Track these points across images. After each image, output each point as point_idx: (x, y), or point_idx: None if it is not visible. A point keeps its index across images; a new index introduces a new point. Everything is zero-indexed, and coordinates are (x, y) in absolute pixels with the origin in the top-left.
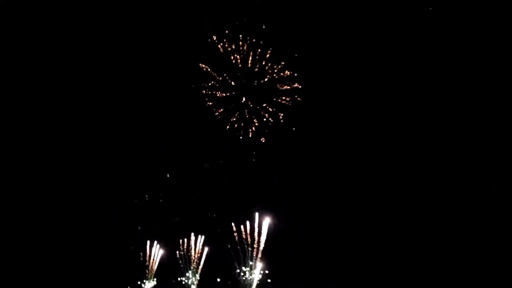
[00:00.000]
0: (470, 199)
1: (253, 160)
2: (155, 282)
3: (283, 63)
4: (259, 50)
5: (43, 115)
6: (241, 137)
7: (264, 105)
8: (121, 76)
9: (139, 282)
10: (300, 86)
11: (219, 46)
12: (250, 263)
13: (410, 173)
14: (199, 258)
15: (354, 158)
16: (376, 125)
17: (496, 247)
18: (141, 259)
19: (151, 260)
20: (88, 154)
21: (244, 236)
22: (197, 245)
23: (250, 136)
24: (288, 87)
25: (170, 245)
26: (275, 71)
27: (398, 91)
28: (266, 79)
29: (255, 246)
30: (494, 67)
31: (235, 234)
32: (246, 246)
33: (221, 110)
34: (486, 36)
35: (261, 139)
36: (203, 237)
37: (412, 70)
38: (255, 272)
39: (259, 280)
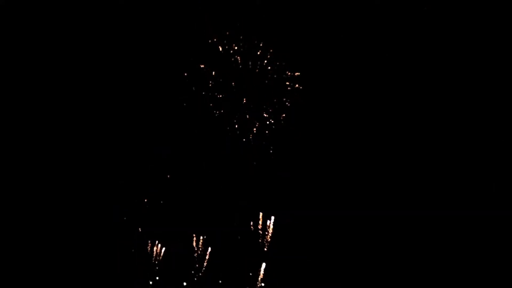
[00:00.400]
0: (469, 201)
1: (254, 162)
2: (156, 283)
3: (284, 63)
4: (260, 50)
5: (43, 115)
6: (243, 139)
7: (264, 106)
8: (121, 76)
9: (139, 283)
10: (301, 87)
11: (219, 46)
12: (253, 263)
13: (410, 175)
14: (202, 259)
15: (355, 159)
16: (376, 126)
17: (496, 251)
18: (142, 259)
19: (152, 261)
20: (88, 154)
21: (246, 236)
22: (199, 246)
23: (250, 137)
24: (289, 88)
25: (171, 246)
26: (276, 71)
27: (398, 92)
28: (266, 80)
29: (259, 245)
30: (493, 68)
31: (239, 236)
32: (248, 246)
33: (222, 111)
34: (485, 36)
35: (262, 140)
36: (204, 237)
37: (412, 71)
38: (260, 272)
39: (262, 280)
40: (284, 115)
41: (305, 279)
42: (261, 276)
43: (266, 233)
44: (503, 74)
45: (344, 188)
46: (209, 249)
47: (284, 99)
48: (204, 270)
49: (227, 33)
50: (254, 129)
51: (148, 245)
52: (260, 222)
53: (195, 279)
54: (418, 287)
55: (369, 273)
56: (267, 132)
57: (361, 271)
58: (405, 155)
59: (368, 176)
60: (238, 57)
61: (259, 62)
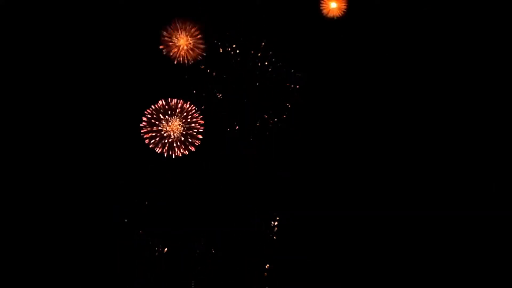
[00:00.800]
0: (469, 201)
1: (254, 162)
2: (156, 284)
3: (284, 63)
4: (260, 52)
5: (43, 115)
6: (242, 138)
7: (265, 106)
8: (121, 76)
9: (139, 283)
10: (301, 87)
11: (219, 48)
12: (255, 264)
13: (410, 175)
14: (203, 260)
15: (355, 159)
16: (376, 125)
17: (496, 251)
18: (142, 260)
19: (152, 262)
20: (88, 154)
21: (247, 237)
22: (200, 246)
23: (251, 138)
24: (289, 88)
25: (172, 246)
26: (276, 71)
27: (399, 92)
28: (266, 81)
29: (261, 246)
30: (493, 68)
31: (240, 237)
32: (250, 247)
33: (222, 111)
34: (485, 36)
35: (262, 141)
36: (205, 238)
37: (412, 71)
38: (263, 273)
39: (264, 281)
40: (284, 115)
41: (305, 279)
42: (263, 277)
43: (269, 233)
44: (503, 74)
45: (344, 188)
46: (212, 250)
47: (284, 100)
48: (205, 271)
49: (227, 33)
50: (254, 129)
51: (149, 246)
52: (262, 222)
53: (196, 280)
54: (418, 287)
55: (369, 273)
56: (267, 133)
57: (361, 271)
58: (405, 155)
59: (368, 176)
60: (238, 58)
61: (259, 64)
